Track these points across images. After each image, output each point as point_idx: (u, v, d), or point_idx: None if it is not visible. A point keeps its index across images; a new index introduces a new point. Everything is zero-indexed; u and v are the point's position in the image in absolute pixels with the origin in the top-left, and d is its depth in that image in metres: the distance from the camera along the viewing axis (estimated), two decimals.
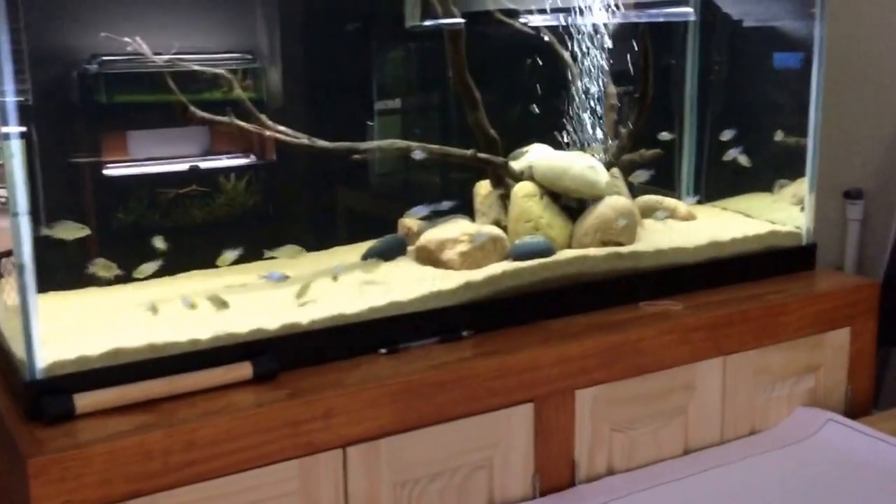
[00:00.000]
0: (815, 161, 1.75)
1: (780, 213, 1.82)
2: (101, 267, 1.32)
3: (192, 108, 1.41)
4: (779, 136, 1.86)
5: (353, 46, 2.00)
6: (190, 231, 1.84)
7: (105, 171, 1.81)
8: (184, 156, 1.89)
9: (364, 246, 1.61)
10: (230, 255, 1.42)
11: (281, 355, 1.28)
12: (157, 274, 1.46)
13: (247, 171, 1.93)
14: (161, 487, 1.11)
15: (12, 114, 1.12)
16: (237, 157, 1.95)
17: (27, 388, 1.15)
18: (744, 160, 1.80)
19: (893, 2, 2.15)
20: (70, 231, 1.27)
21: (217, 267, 1.56)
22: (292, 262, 1.47)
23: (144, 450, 1.10)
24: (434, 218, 1.60)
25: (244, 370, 1.25)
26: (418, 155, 1.53)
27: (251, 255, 1.63)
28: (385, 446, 1.26)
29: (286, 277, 1.42)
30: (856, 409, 1.69)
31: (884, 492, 1.37)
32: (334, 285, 1.44)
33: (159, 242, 1.36)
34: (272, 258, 1.45)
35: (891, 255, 2.09)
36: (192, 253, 1.56)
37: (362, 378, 1.27)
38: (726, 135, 1.87)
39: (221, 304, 1.35)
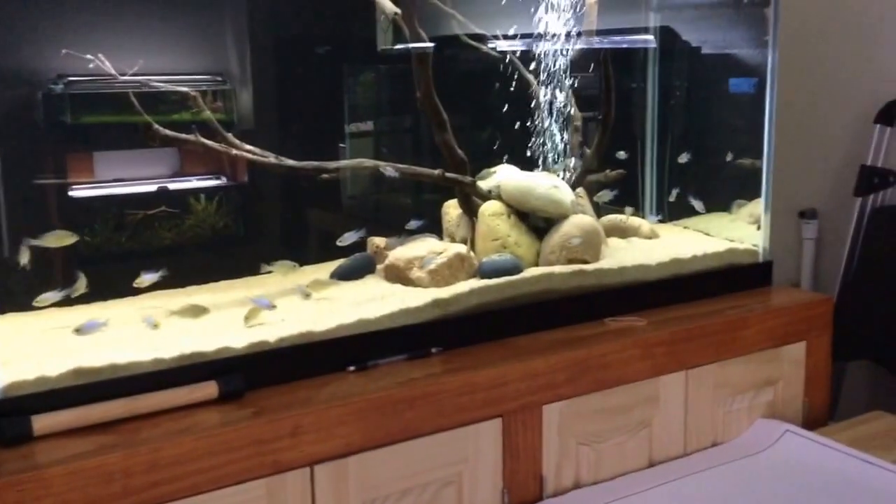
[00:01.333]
0: (769, 182, 1.81)
1: (738, 231, 1.87)
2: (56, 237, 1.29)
3: (156, 126, 1.42)
4: (736, 157, 1.91)
5: (324, 69, 2.02)
6: (159, 252, 1.84)
7: (71, 193, 1.80)
8: (152, 177, 1.89)
9: (334, 264, 1.62)
10: (148, 277, 1.40)
11: (248, 374, 1.28)
12: (126, 294, 1.46)
13: (217, 192, 1.93)
14: None
15: None
16: (207, 179, 1.95)
17: None
18: (699, 206, 1.87)
19: (845, 28, 2.23)
20: (59, 239, 1.27)
21: (183, 287, 1.57)
22: (256, 283, 1.48)
23: (104, 471, 1.09)
24: (402, 236, 1.63)
25: (209, 389, 1.24)
26: (388, 172, 1.55)
27: (222, 274, 1.64)
28: (353, 464, 1.26)
29: (274, 306, 1.41)
30: (813, 421, 1.73)
31: (840, 499, 1.41)
32: (295, 305, 1.45)
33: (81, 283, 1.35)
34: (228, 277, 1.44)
35: (844, 272, 2.16)
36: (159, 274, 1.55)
37: (330, 396, 1.28)
38: (683, 157, 1.92)
39: (201, 310, 1.35)
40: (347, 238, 1.57)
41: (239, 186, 1.93)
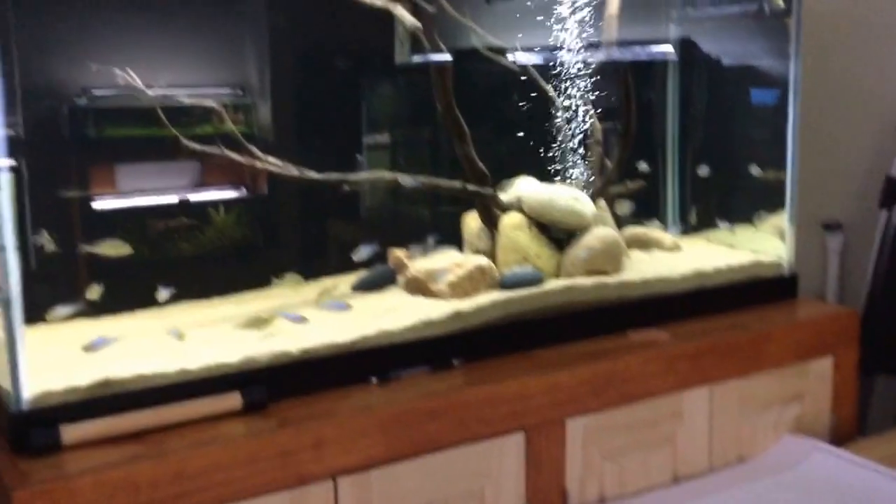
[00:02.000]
0: (794, 193, 1.80)
1: (762, 243, 1.85)
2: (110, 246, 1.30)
3: (185, 142, 1.43)
4: (758, 169, 1.90)
5: (342, 82, 2.03)
6: (179, 263, 1.85)
7: (94, 204, 1.82)
8: (173, 189, 1.90)
9: (354, 276, 1.62)
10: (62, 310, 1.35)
11: (271, 385, 1.28)
12: (148, 305, 1.47)
13: (237, 203, 1.94)
14: None
15: (0, 146, 1.12)
16: (227, 190, 1.96)
17: (13, 420, 1.14)
18: (726, 226, 1.85)
19: (869, 38, 2.22)
20: (115, 248, 1.29)
21: (206, 298, 1.57)
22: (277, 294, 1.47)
23: (132, 481, 1.09)
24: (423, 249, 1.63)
25: (233, 400, 1.24)
26: (408, 182, 1.54)
27: (242, 285, 1.65)
28: (376, 476, 1.25)
29: (305, 319, 1.41)
30: (841, 437, 1.71)
31: None
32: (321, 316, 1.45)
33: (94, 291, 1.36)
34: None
35: (871, 285, 2.13)
36: (181, 285, 1.56)
37: (353, 407, 1.27)
38: (702, 170, 1.91)
39: (264, 322, 1.35)
40: (362, 252, 1.57)
41: (258, 198, 1.94)
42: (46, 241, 1.27)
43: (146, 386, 1.22)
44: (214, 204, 1.92)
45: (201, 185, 1.93)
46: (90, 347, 1.29)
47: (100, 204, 1.82)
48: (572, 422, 1.41)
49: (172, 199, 1.89)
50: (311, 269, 1.75)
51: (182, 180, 1.92)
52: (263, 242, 1.96)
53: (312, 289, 1.58)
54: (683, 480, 1.53)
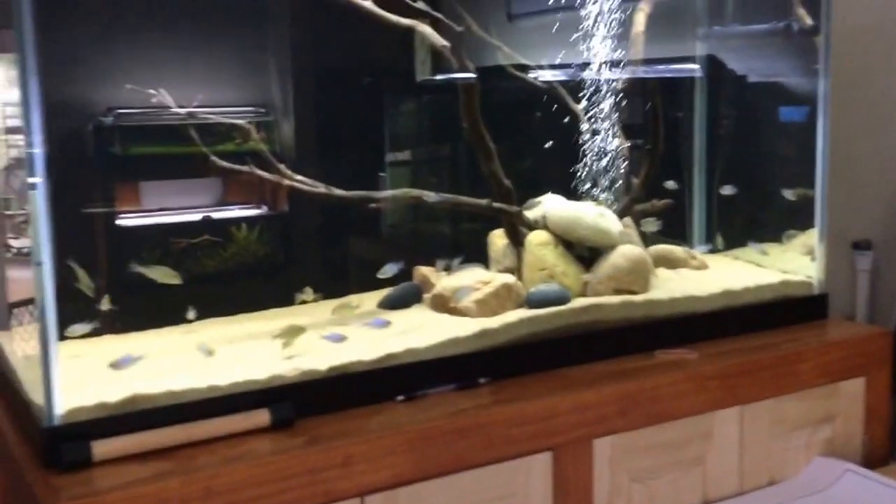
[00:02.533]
0: (823, 212, 1.78)
1: (791, 263, 1.83)
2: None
3: (213, 158, 1.44)
4: (787, 187, 1.88)
5: (364, 100, 2.04)
6: (202, 280, 1.85)
7: (118, 222, 1.83)
8: (196, 206, 1.91)
9: (380, 294, 1.62)
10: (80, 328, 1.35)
11: (298, 402, 1.27)
12: (171, 322, 1.47)
13: (259, 221, 1.95)
14: None
15: (39, 164, 1.13)
16: (250, 208, 1.97)
17: (44, 435, 1.14)
18: (759, 249, 1.83)
19: None
20: (164, 275, 1.32)
21: (232, 315, 1.57)
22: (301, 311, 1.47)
23: (162, 497, 1.09)
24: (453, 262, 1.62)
25: (262, 417, 1.24)
26: (433, 199, 1.54)
27: (265, 302, 1.64)
28: (404, 495, 1.24)
29: (345, 338, 1.41)
30: (873, 460, 1.68)
31: None
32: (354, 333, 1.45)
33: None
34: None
35: None
36: (204, 301, 1.56)
37: (380, 425, 1.27)
38: (727, 190, 1.89)
39: (298, 330, 1.36)
40: (388, 270, 1.57)
41: (280, 215, 1.95)
42: (76, 270, 1.29)
43: (175, 402, 1.21)
44: (237, 221, 1.93)
45: (223, 203, 1.94)
46: (117, 365, 1.29)
47: (124, 221, 1.83)
48: (600, 442, 1.39)
49: (195, 216, 1.90)
50: (335, 286, 1.75)
51: (205, 198, 1.93)
52: (286, 259, 1.96)
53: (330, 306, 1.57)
54: (713, 502, 1.50)
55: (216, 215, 1.93)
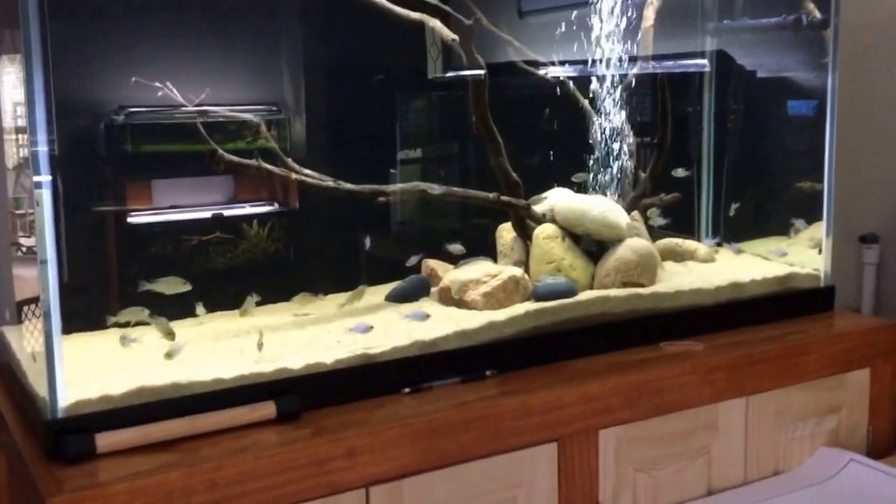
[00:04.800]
0: (830, 205, 1.77)
1: (798, 255, 1.83)
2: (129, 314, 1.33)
3: (221, 152, 1.44)
4: (794, 181, 1.88)
5: (376, 97, 2.05)
6: (213, 276, 1.87)
7: (129, 219, 1.85)
8: (207, 204, 1.93)
9: (388, 287, 1.63)
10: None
11: (304, 395, 1.29)
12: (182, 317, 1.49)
13: (269, 217, 1.97)
14: None
15: (43, 163, 1.14)
16: (260, 205, 1.99)
17: (48, 427, 1.15)
18: (780, 253, 1.81)
19: None
20: (173, 286, 1.31)
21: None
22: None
23: (165, 490, 1.10)
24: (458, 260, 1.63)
25: (268, 409, 1.25)
26: (438, 191, 1.56)
27: (274, 298, 1.66)
28: (408, 486, 1.25)
29: (371, 327, 1.43)
30: (878, 450, 1.68)
31: None
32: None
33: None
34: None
35: None
36: (214, 297, 1.58)
37: (386, 417, 1.28)
38: (679, 172, 1.87)
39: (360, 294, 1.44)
40: (412, 260, 1.63)
41: (290, 212, 1.96)
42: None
43: (181, 394, 1.23)
44: (248, 218, 1.94)
45: (234, 200, 1.96)
46: (172, 354, 1.30)
47: (136, 218, 1.85)
48: (605, 433, 1.40)
49: (206, 213, 1.92)
50: (342, 281, 1.77)
51: (216, 195, 1.95)
52: (294, 255, 1.98)
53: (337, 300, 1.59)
54: (718, 493, 1.50)
55: (228, 212, 1.95)
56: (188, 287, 1.34)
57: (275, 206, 2.01)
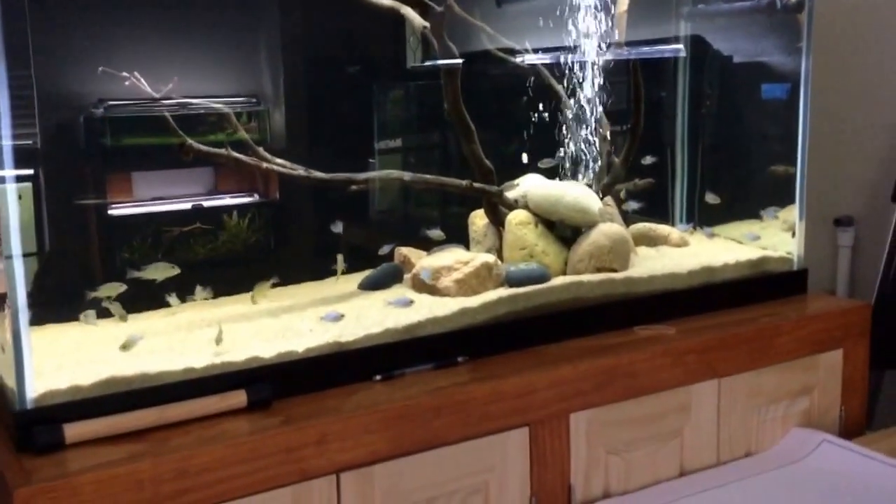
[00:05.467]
0: (803, 189, 1.78)
1: (771, 239, 1.84)
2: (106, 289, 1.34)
3: (190, 142, 1.45)
4: (769, 164, 1.89)
5: (355, 88, 2.05)
6: (193, 267, 1.87)
7: (110, 212, 1.85)
8: (188, 195, 1.93)
9: (361, 275, 1.64)
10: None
11: (276, 383, 1.29)
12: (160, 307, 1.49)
13: (249, 208, 1.97)
14: None
15: (7, 157, 1.14)
16: (241, 196, 1.99)
17: (17, 418, 1.15)
18: (752, 238, 1.82)
19: (881, 33, 2.20)
20: (162, 271, 1.33)
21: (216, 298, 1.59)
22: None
23: (135, 479, 1.10)
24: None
25: (238, 398, 1.26)
26: (408, 178, 1.56)
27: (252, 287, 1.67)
28: (379, 472, 1.26)
29: (342, 315, 1.44)
30: (850, 430, 1.69)
31: None
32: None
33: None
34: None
35: (881, 280, 2.11)
36: (193, 287, 1.58)
37: (357, 404, 1.28)
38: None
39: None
40: (385, 249, 1.65)
41: (271, 203, 1.97)
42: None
43: (151, 384, 1.23)
44: (228, 209, 1.95)
45: (215, 191, 1.96)
46: (127, 346, 1.30)
47: (116, 211, 1.85)
48: (576, 416, 1.41)
49: (186, 205, 1.92)
50: (320, 270, 1.77)
51: (196, 187, 1.95)
52: (274, 245, 1.98)
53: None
54: (691, 474, 1.52)
55: (208, 204, 1.95)
56: (176, 270, 1.36)
57: (255, 198, 2.01)
